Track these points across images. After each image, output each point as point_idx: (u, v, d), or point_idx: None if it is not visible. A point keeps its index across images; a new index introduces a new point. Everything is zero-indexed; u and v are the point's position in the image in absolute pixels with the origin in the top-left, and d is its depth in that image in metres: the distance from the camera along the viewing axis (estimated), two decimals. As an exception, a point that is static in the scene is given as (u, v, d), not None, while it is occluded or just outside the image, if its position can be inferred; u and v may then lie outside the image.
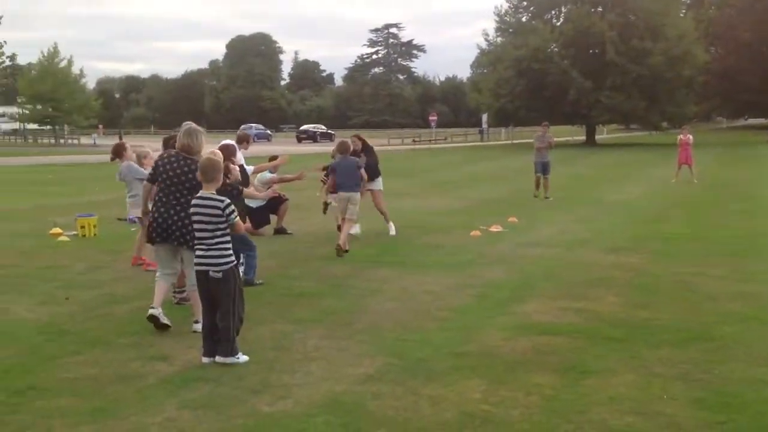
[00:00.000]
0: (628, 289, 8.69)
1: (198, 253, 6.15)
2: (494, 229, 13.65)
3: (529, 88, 58.01)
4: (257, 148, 56.15)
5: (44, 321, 7.39)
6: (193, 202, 6.20)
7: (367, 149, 13.39)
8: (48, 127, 79.63)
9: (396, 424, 4.82)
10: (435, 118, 66.54)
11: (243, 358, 6.06)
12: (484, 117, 70.56)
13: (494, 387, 5.46)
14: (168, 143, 8.35)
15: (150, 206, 7.37)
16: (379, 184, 13.53)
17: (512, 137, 68.16)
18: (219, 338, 6.03)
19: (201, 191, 6.19)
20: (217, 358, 5.98)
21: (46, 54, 75.49)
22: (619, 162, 36.86)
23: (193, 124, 7.20)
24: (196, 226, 6.15)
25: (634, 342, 6.50)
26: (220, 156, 6.42)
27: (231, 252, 6.16)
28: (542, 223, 14.65)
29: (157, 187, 7.00)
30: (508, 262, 10.50)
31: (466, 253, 11.27)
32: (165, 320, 6.88)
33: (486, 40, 67.30)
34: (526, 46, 57.79)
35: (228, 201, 6.14)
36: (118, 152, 10.08)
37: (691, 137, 24.12)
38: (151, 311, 6.85)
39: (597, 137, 64.76)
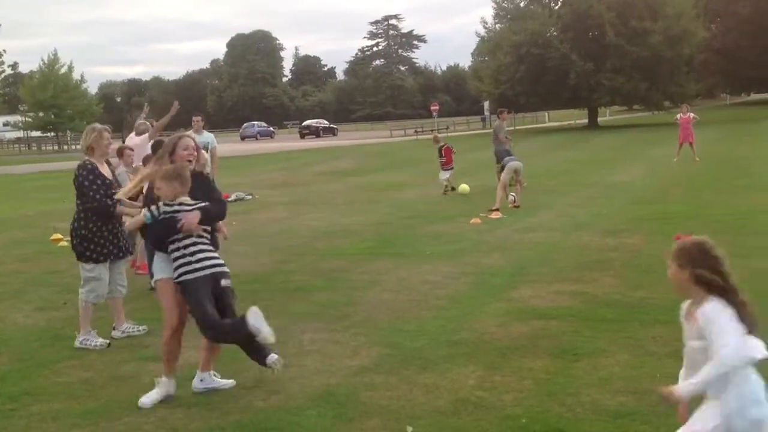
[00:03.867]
0: (624, 270, 8.66)
1: None
2: (494, 216, 13.64)
3: (529, 74, 57.65)
4: (260, 146, 56.27)
5: (41, 326, 7.43)
6: None
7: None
8: (51, 134, 79.73)
9: (389, 412, 4.83)
10: (437, 107, 66.44)
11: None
12: (486, 105, 70.33)
13: (488, 373, 5.46)
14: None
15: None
16: None
17: (515, 124, 67.96)
18: None
19: None
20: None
21: (46, 61, 75.55)
22: (621, 143, 36.70)
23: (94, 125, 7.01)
24: None
25: (628, 322, 6.49)
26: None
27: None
28: (542, 207, 14.61)
29: None
30: (506, 248, 10.49)
31: (465, 241, 11.27)
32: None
33: (485, 27, 66.95)
34: (524, 31, 57.43)
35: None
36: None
37: (691, 115, 23.99)
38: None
39: (600, 119, 64.45)
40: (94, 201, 6.57)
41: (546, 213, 13.86)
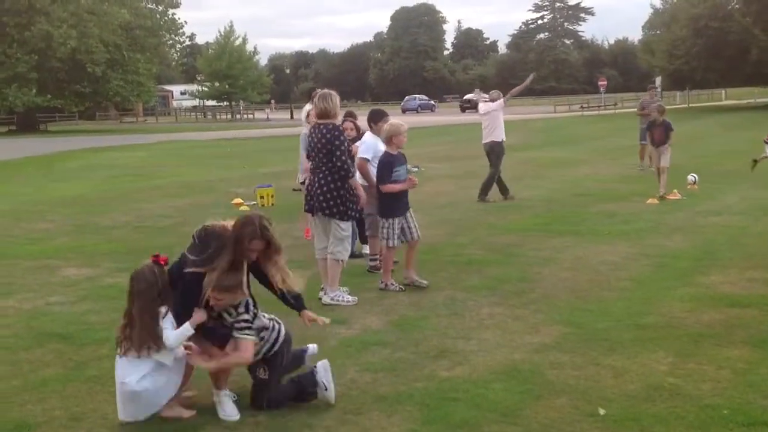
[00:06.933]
0: (826, 259, 8.04)
1: None
2: (672, 196, 13.04)
3: (707, 49, 54.66)
4: (421, 119, 56.50)
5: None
6: None
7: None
8: (225, 103, 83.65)
9: (577, 393, 4.71)
10: (604, 83, 64.28)
11: None
12: (658, 80, 67.35)
13: (681, 360, 5.21)
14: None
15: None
16: None
17: (688, 101, 64.68)
18: None
19: None
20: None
21: (222, 33, 79.22)
22: (810, 124, 34.07)
23: (326, 90, 7.25)
24: None
25: (836, 315, 6.02)
26: None
27: None
28: (723, 190, 13.82)
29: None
30: (689, 231, 9.99)
31: (642, 222, 10.84)
32: (327, 300, 7.06)
33: (659, -2, 64.19)
34: (703, 3, 54.52)
35: None
36: None
37: None
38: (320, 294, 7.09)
39: (784, 98, 60.29)
40: (347, 162, 6.94)
41: (728, 196, 13.09)
